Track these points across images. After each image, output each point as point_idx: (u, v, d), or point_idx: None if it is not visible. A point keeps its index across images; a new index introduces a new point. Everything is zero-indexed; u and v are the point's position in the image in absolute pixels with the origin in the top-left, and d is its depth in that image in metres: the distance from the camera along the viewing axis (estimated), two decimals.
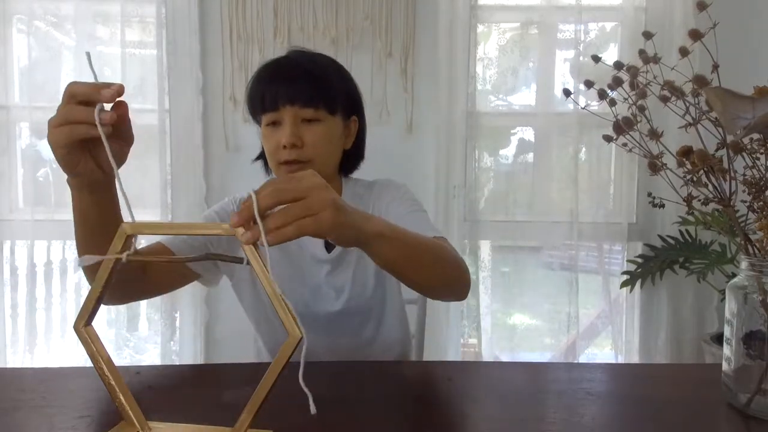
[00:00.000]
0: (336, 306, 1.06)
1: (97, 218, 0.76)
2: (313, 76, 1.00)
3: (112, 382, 0.62)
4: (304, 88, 0.98)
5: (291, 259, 1.07)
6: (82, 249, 0.79)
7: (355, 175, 1.17)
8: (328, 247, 1.08)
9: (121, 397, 0.62)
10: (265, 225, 0.57)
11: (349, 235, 0.68)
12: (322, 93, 1.00)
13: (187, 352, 2.11)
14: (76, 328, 0.61)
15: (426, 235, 0.92)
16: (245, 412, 0.59)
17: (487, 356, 2.18)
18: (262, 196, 0.58)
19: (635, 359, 2.18)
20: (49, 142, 0.67)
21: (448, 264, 0.86)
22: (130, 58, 2.09)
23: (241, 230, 0.56)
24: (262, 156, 1.14)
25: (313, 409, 0.54)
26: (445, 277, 0.87)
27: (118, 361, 2.14)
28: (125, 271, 0.64)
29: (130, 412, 0.62)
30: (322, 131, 1.01)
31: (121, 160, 0.72)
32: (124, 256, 0.59)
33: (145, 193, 2.13)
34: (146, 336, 2.26)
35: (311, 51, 1.08)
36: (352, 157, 1.12)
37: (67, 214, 2.29)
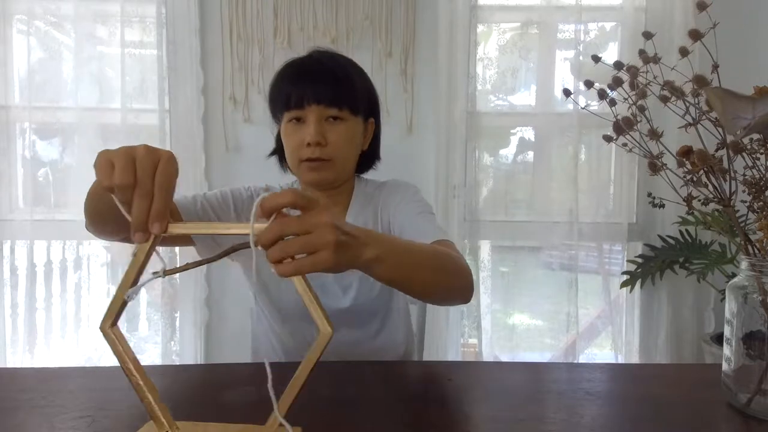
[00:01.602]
0: (343, 303, 1.07)
1: (108, 206, 0.76)
2: (338, 77, 1.02)
3: (140, 382, 0.62)
4: (329, 88, 1.00)
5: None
6: (95, 212, 0.82)
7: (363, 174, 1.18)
8: None
9: (149, 397, 0.62)
10: (267, 256, 0.58)
11: (343, 268, 0.66)
12: (346, 93, 1.02)
13: (187, 352, 2.11)
14: (102, 328, 0.61)
15: (431, 238, 0.93)
16: (277, 409, 0.60)
17: (487, 356, 2.18)
18: (267, 232, 0.58)
19: (635, 359, 2.18)
20: (100, 166, 0.60)
21: (449, 274, 0.86)
22: (130, 58, 2.08)
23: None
24: (275, 152, 1.16)
25: None
26: (445, 287, 0.86)
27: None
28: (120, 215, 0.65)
29: (158, 411, 0.62)
30: (345, 131, 1.03)
31: None
32: (161, 271, 0.60)
33: None
34: (146, 336, 2.26)
35: (334, 52, 1.09)
36: (368, 158, 1.14)
37: (68, 214, 2.26)
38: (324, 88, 1.00)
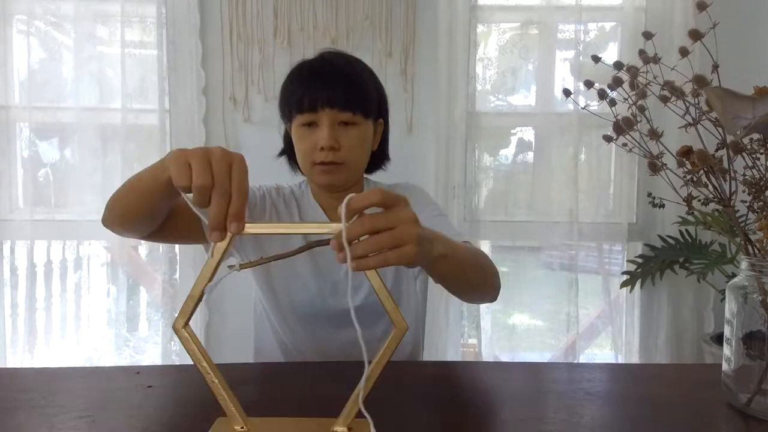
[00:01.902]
0: (354, 302, 1.07)
1: (156, 204, 0.80)
2: (351, 81, 1.02)
3: (215, 380, 0.63)
4: (343, 92, 1.00)
5: (311, 254, 1.08)
6: (123, 206, 0.83)
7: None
8: None
9: (224, 394, 0.63)
10: (352, 251, 0.59)
11: (420, 262, 0.70)
12: (359, 97, 1.02)
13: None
14: (176, 328, 0.62)
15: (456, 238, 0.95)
16: (351, 401, 0.62)
17: (487, 356, 2.18)
18: (356, 227, 0.59)
19: (635, 359, 2.18)
20: (176, 165, 0.61)
21: (488, 274, 0.92)
22: (130, 58, 2.08)
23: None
24: (284, 153, 1.16)
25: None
26: (486, 285, 0.93)
27: (118, 361, 2.15)
28: (160, 214, 0.80)
29: (232, 408, 0.64)
30: (357, 134, 1.03)
31: None
32: (237, 266, 0.63)
33: None
34: (146, 336, 2.26)
35: (344, 53, 1.09)
36: (377, 158, 1.14)
37: (68, 214, 2.26)
38: (337, 92, 1.00)
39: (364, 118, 1.03)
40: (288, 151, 1.14)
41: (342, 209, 0.58)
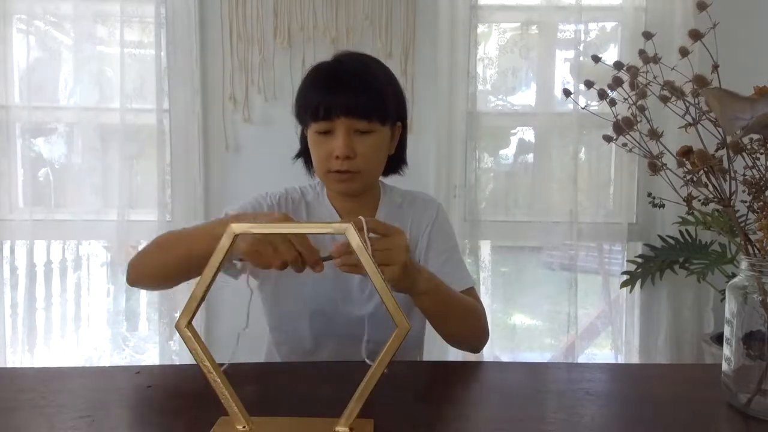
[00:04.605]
0: (365, 309, 1.07)
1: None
2: (369, 88, 0.99)
3: (217, 380, 0.63)
4: (360, 101, 0.97)
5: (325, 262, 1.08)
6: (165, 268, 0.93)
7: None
8: None
9: (226, 393, 0.64)
10: (347, 258, 0.73)
11: (401, 287, 0.84)
12: (376, 105, 0.99)
13: (186, 352, 2.08)
14: (178, 327, 0.63)
15: (461, 286, 1.05)
16: (353, 401, 0.62)
17: (487, 356, 2.18)
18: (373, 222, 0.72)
19: (635, 359, 2.17)
20: (250, 256, 0.77)
21: (472, 325, 1.03)
22: (130, 58, 2.08)
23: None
24: (301, 155, 1.14)
25: None
26: (466, 334, 1.04)
27: (118, 360, 2.15)
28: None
29: (235, 407, 0.64)
30: (374, 142, 1.01)
31: None
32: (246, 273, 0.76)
33: (144, 193, 2.13)
34: (146, 336, 2.26)
35: (362, 55, 1.07)
36: (394, 161, 1.13)
37: (67, 214, 2.24)
38: (353, 100, 0.97)
39: (381, 125, 1.01)
40: (304, 153, 1.12)
41: (364, 229, 0.68)
